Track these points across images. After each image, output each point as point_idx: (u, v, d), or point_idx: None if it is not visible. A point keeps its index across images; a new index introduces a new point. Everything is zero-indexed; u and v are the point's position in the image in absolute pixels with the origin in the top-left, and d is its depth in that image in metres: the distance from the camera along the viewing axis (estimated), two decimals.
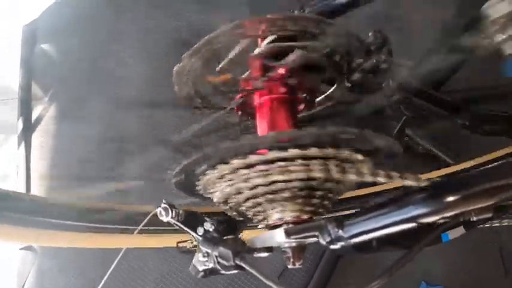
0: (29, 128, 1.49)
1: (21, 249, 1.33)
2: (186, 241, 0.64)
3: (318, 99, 0.62)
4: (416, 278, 1.29)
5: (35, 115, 1.52)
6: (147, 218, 0.53)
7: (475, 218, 0.37)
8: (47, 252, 1.31)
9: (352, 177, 0.47)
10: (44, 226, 0.62)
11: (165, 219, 0.49)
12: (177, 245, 0.62)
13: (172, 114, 1.45)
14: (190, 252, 0.63)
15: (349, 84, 0.55)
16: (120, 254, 0.57)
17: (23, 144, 1.46)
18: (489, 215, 0.36)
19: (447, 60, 1.29)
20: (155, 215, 0.51)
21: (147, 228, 0.58)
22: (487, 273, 1.30)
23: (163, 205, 0.49)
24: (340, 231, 0.42)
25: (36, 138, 1.48)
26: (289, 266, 0.46)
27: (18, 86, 1.54)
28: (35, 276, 1.29)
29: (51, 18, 1.64)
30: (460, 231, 0.55)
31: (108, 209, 0.67)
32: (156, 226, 0.62)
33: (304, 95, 0.56)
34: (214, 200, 0.50)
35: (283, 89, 0.53)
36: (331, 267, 1.25)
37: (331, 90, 0.60)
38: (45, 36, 1.62)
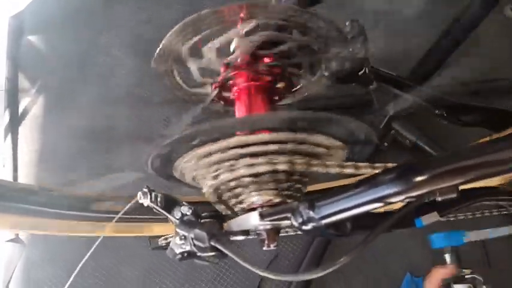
0: (15, 120, 1.49)
1: (8, 241, 1.32)
2: (158, 237, 0.65)
3: (296, 88, 0.63)
4: (401, 270, 1.32)
5: (21, 107, 1.51)
6: (129, 205, 0.53)
7: (439, 198, 0.38)
8: (33, 245, 1.31)
9: (327, 163, 0.48)
10: (27, 213, 0.63)
11: (145, 203, 0.49)
12: (149, 241, 0.63)
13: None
14: (162, 249, 0.64)
15: (326, 73, 0.56)
16: (98, 241, 0.58)
17: (9, 136, 1.46)
18: (453, 195, 0.37)
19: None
20: (136, 204, 0.52)
21: (127, 216, 0.59)
22: (470, 264, 1.33)
23: (143, 190, 0.50)
24: (311, 213, 0.43)
25: (23, 130, 1.48)
26: (264, 248, 0.47)
27: (5, 77, 1.53)
28: (21, 269, 1.30)
29: (38, 10, 1.63)
30: (434, 217, 0.57)
31: (89, 197, 0.67)
32: (136, 215, 0.63)
33: (282, 83, 0.57)
34: (189, 181, 0.52)
35: (264, 77, 0.54)
36: (320, 255, 1.27)
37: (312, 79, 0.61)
38: (31, 27, 1.61)
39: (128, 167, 1.37)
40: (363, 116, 1.13)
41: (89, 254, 0.61)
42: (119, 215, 0.55)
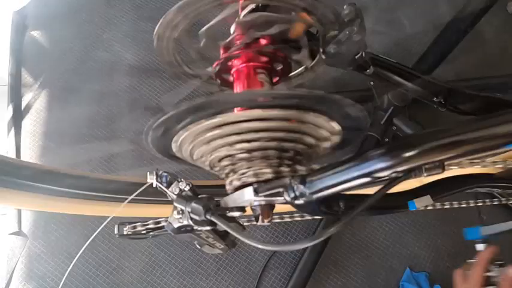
0: (18, 114, 1.50)
1: (11, 234, 1.34)
2: (126, 224, 0.65)
3: (296, 71, 0.63)
4: (401, 265, 1.32)
5: (24, 102, 1.52)
6: (143, 187, 0.54)
7: (425, 174, 0.39)
8: (36, 238, 1.32)
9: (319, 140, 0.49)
10: (39, 191, 0.64)
11: (154, 183, 0.51)
12: (117, 228, 0.63)
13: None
14: (129, 238, 0.64)
15: (324, 56, 0.57)
16: (105, 222, 0.58)
17: (12, 131, 1.47)
18: (439, 171, 0.38)
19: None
20: (146, 184, 0.52)
21: (135, 198, 0.59)
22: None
23: (155, 171, 0.51)
24: (303, 187, 0.43)
25: (26, 124, 1.49)
26: (258, 223, 0.48)
27: (8, 72, 1.54)
28: (24, 262, 1.31)
29: (41, 5, 1.65)
30: (427, 200, 0.57)
31: (99, 178, 0.68)
32: (143, 196, 0.63)
33: (281, 65, 0.58)
34: (189, 160, 0.52)
35: (263, 58, 0.55)
36: (322, 245, 1.28)
37: (312, 63, 0.61)
38: (35, 22, 1.62)
39: (131, 160, 1.38)
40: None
41: (89, 240, 0.61)
42: (132, 197, 0.55)
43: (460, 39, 1.41)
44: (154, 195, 0.58)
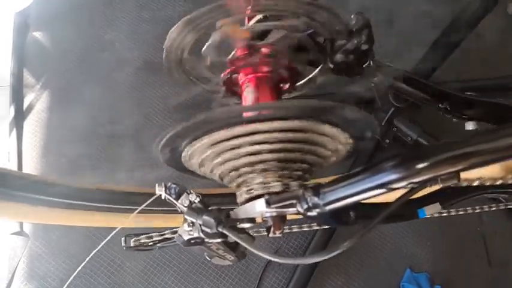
0: (20, 115, 1.50)
1: (13, 234, 1.34)
2: (132, 235, 0.65)
3: (302, 81, 0.63)
4: (401, 265, 1.33)
5: (26, 102, 1.52)
6: (151, 199, 0.54)
7: (441, 185, 0.39)
8: (36, 238, 1.32)
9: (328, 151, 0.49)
10: (44, 204, 0.63)
11: (162, 195, 0.51)
12: (124, 239, 0.63)
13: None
14: (136, 249, 0.64)
15: (331, 66, 0.57)
16: (112, 234, 0.58)
17: (14, 131, 1.47)
18: (455, 182, 0.38)
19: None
20: (154, 196, 0.52)
21: (148, 208, 0.59)
22: (471, 262, 1.34)
23: (164, 182, 0.51)
24: (316, 199, 0.44)
25: (28, 125, 1.49)
26: (270, 235, 0.48)
27: (10, 73, 1.54)
28: (25, 261, 1.31)
29: (43, 6, 1.64)
30: (436, 208, 0.58)
31: (106, 189, 0.68)
32: (151, 207, 0.63)
33: (288, 74, 0.58)
34: (199, 172, 0.52)
35: (266, 68, 0.54)
36: (323, 247, 1.28)
37: (315, 71, 0.62)
38: (37, 23, 1.62)
39: (131, 162, 1.38)
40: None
41: (97, 249, 0.62)
42: (141, 208, 0.55)
43: (460, 41, 1.41)
44: (161, 206, 0.58)
